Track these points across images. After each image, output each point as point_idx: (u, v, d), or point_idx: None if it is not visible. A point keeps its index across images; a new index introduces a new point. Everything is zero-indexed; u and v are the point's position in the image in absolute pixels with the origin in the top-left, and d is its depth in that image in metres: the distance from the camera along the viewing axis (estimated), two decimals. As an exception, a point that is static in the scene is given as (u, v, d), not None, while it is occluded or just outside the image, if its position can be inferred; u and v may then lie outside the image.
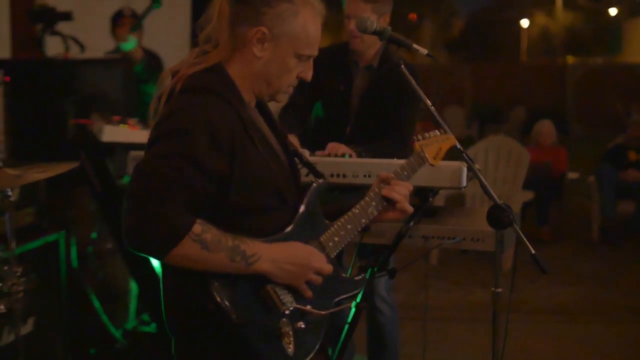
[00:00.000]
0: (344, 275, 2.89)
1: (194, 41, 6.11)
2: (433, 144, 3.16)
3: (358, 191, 4.38)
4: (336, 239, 2.81)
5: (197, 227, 2.43)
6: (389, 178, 2.96)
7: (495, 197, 3.31)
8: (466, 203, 9.07)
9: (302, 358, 2.67)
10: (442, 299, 7.53)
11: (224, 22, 2.65)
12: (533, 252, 3.31)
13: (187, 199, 2.44)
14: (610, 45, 39.27)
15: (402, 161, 3.92)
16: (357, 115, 4.60)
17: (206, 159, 2.46)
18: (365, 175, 3.98)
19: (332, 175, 3.96)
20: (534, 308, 7.24)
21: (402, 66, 3.42)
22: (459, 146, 3.41)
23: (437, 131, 3.21)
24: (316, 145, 4.27)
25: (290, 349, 2.61)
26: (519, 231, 3.35)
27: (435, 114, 3.37)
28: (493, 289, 3.49)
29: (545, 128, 10.85)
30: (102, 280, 5.79)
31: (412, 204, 3.30)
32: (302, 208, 2.76)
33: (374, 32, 3.44)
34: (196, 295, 2.52)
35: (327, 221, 2.84)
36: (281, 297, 2.60)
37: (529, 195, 9.63)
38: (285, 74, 2.71)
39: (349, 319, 4.11)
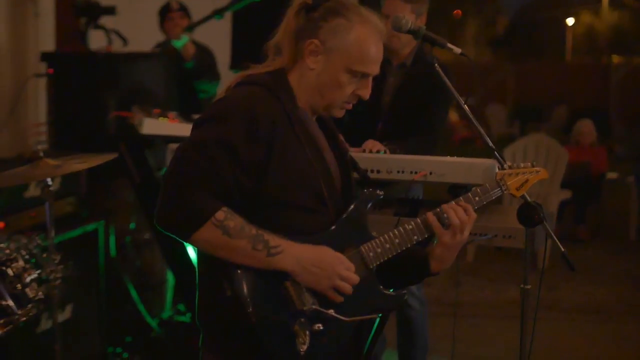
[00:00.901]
0: (383, 289, 2.81)
1: (235, 43, 6.19)
2: (519, 175, 3.11)
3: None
4: (379, 250, 2.77)
5: (221, 214, 2.49)
6: (458, 200, 2.91)
7: (526, 195, 3.34)
8: (503, 200, 9.06)
9: None
10: (475, 295, 7.55)
11: (289, 35, 2.72)
12: (563, 250, 3.35)
13: (216, 187, 2.51)
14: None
15: (436, 158, 4.00)
16: (389, 112, 4.64)
17: (241, 148, 2.53)
18: (399, 171, 4.03)
19: (366, 170, 4.01)
20: (568, 307, 7.23)
21: (436, 65, 3.45)
22: (491, 145, 3.45)
23: (529, 163, 3.16)
24: (348, 141, 4.33)
25: (303, 348, 2.59)
26: (549, 229, 3.38)
27: (469, 113, 3.40)
28: (522, 285, 3.52)
29: (585, 127, 10.80)
30: (139, 270, 5.88)
31: (444, 200, 3.34)
32: (345, 214, 2.76)
33: (409, 31, 3.47)
34: (219, 281, 2.58)
35: (374, 233, 2.82)
36: (301, 296, 2.60)
37: (566, 194, 9.61)
38: (337, 89, 2.74)
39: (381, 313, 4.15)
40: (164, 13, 6.94)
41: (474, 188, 3.01)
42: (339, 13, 2.72)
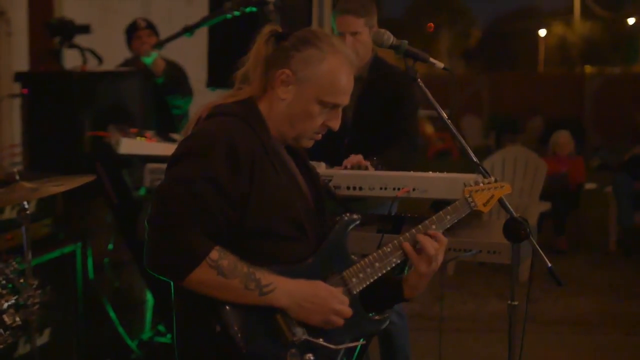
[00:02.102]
0: (364, 313, 2.80)
1: (211, 60, 6.12)
2: (484, 190, 3.13)
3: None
4: (361, 275, 2.76)
5: (215, 254, 2.46)
6: (429, 228, 2.90)
7: (512, 210, 3.31)
8: (483, 215, 9.04)
9: None
10: (458, 310, 7.52)
11: (260, 63, 2.70)
12: (549, 265, 3.32)
13: (207, 225, 2.48)
14: (628, 55, 39.17)
15: (419, 174, 3.97)
16: (353, 125, 4.59)
17: (226, 182, 2.50)
18: (381, 188, 3.99)
19: (348, 188, 3.97)
20: (550, 319, 7.21)
21: (419, 80, 3.41)
22: (475, 159, 3.42)
23: (492, 178, 3.20)
24: (315, 158, 4.29)
25: None
26: (536, 245, 3.36)
27: (452, 126, 3.37)
28: (509, 301, 3.48)
29: (562, 138, 10.81)
30: (118, 291, 5.81)
31: (426, 216, 3.30)
32: (325, 241, 2.75)
33: (391, 47, 3.44)
34: (206, 316, 2.54)
35: (354, 257, 2.81)
36: (291, 327, 2.58)
37: (546, 206, 9.60)
38: (308, 119, 2.72)
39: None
40: (131, 31, 6.81)
41: (442, 211, 3.00)
42: (311, 43, 2.70)
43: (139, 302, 6.04)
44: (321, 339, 2.64)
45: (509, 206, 3.32)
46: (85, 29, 6.08)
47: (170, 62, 6.81)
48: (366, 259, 2.80)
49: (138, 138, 5.10)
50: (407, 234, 2.88)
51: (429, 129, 21.37)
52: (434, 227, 2.91)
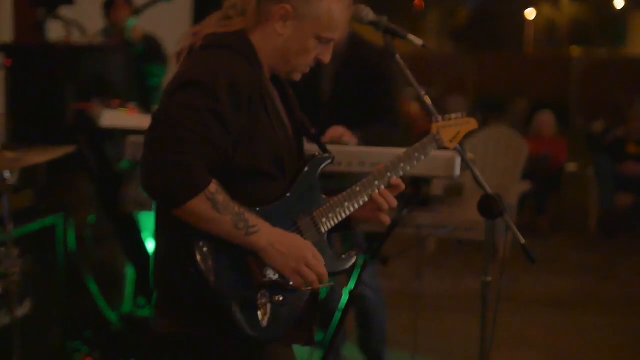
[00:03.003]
0: (331, 252, 2.84)
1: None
2: (452, 126, 3.14)
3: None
4: (330, 215, 2.80)
5: (213, 186, 2.45)
6: (398, 165, 2.93)
7: (487, 187, 3.34)
8: (464, 193, 9.09)
9: (276, 331, 2.67)
10: (436, 287, 7.57)
11: None
12: (523, 242, 3.36)
13: (208, 154, 2.46)
14: (615, 37, 39.24)
15: (396, 150, 3.99)
16: (331, 100, 4.59)
17: (229, 117, 2.49)
18: (359, 164, 4.03)
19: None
20: (529, 298, 7.28)
21: (397, 56, 3.43)
22: (456, 147, 3.45)
23: (459, 114, 3.20)
24: None
25: (265, 321, 2.62)
26: (510, 221, 3.39)
27: (429, 104, 3.40)
28: (482, 277, 3.54)
29: (545, 119, 10.88)
30: (99, 264, 5.83)
31: (405, 193, 3.34)
32: (297, 181, 2.77)
33: (370, 23, 3.46)
34: (179, 254, 2.56)
35: (324, 196, 2.84)
36: (262, 269, 2.62)
37: (527, 186, 9.66)
38: (304, 54, 2.74)
39: (341, 306, 4.15)
40: (110, 3, 6.85)
41: (410, 148, 3.01)
42: None
43: (120, 276, 6.06)
44: (291, 282, 2.66)
45: (484, 182, 3.35)
46: (68, 1, 6.08)
47: (148, 34, 6.83)
48: (336, 198, 2.83)
49: (120, 110, 5.11)
50: (376, 171, 2.91)
51: (414, 108, 21.36)
52: (402, 164, 2.94)
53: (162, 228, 2.70)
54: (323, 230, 2.80)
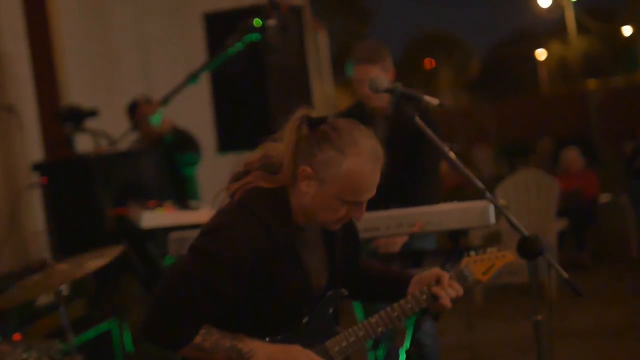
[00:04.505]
0: None
1: (218, 124, 6.26)
2: (485, 261, 3.23)
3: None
4: (344, 344, 2.97)
5: (198, 339, 2.76)
6: (445, 280, 3.06)
7: (523, 229, 3.43)
8: (503, 238, 9.11)
9: None
10: (489, 336, 7.53)
11: (289, 151, 2.81)
12: (566, 276, 3.44)
13: (197, 317, 2.75)
14: (628, 65, 39.28)
15: (431, 207, 4.10)
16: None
17: (225, 287, 2.74)
18: (397, 226, 4.13)
19: (364, 230, 4.09)
20: (581, 333, 7.24)
21: (416, 118, 3.55)
22: (480, 186, 3.55)
23: (494, 248, 3.28)
24: None
25: None
26: (550, 259, 3.47)
27: (454, 158, 3.51)
28: (533, 317, 3.59)
29: (572, 155, 10.94)
30: (158, 360, 5.91)
31: (445, 247, 3.44)
32: (309, 317, 2.96)
33: (386, 91, 3.61)
34: None
35: (338, 328, 3.00)
36: None
37: (563, 223, 9.68)
38: (330, 213, 2.83)
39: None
40: (133, 108, 6.94)
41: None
42: (332, 142, 2.76)
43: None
44: None
45: (520, 225, 3.44)
46: (93, 113, 6.28)
47: (177, 127, 6.96)
48: (350, 329, 2.99)
49: (157, 210, 5.25)
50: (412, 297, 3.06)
51: (443, 165, 21.35)
52: (424, 296, 3.07)
53: None
54: (333, 355, 2.96)
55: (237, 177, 2.95)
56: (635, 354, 6.60)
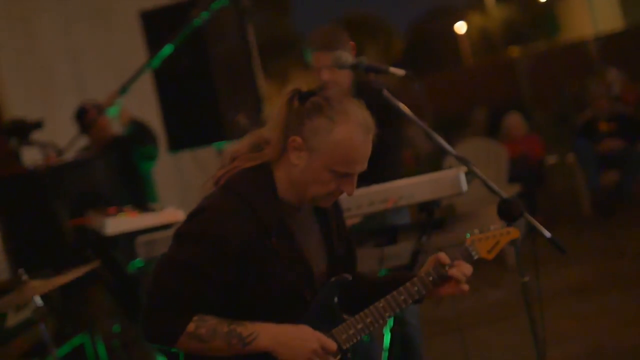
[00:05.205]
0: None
1: (167, 124, 6.19)
2: (489, 238, 3.16)
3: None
4: (351, 332, 2.89)
5: (192, 326, 2.69)
6: (446, 262, 3.00)
7: (500, 191, 3.42)
8: (457, 211, 9.08)
9: None
10: (457, 308, 7.51)
11: (279, 125, 2.77)
12: (549, 235, 3.44)
13: (192, 303, 2.69)
14: (548, 29, 39.75)
15: (401, 182, 4.06)
16: None
17: (212, 270, 2.68)
18: (369, 204, 4.08)
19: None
20: (551, 292, 7.27)
21: (384, 90, 3.52)
22: (454, 154, 3.52)
23: (498, 225, 3.21)
24: None
25: None
26: (532, 219, 3.47)
27: (427, 128, 3.48)
28: (520, 278, 3.59)
29: (514, 120, 10.99)
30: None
31: (419, 220, 3.40)
32: (313, 305, 2.87)
33: (351, 66, 3.56)
34: None
35: (345, 316, 2.92)
36: None
37: (515, 189, 9.73)
38: (320, 185, 2.77)
39: (386, 345, 4.18)
40: (82, 114, 6.77)
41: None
42: (322, 111, 2.73)
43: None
44: None
45: (497, 188, 3.43)
46: (38, 125, 6.14)
47: (133, 116, 6.81)
48: (357, 316, 2.91)
49: (120, 215, 5.15)
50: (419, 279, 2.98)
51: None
52: (432, 274, 3.00)
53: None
54: (344, 347, 2.88)
55: (224, 166, 2.89)
56: (606, 308, 6.66)
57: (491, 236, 3.16)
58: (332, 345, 2.80)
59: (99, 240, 5.19)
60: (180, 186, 9.53)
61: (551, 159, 10.80)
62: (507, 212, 3.38)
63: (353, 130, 2.73)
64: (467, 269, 3.01)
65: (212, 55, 5.98)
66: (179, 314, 2.67)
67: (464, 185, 4.01)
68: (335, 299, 2.91)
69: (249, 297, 2.74)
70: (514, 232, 3.21)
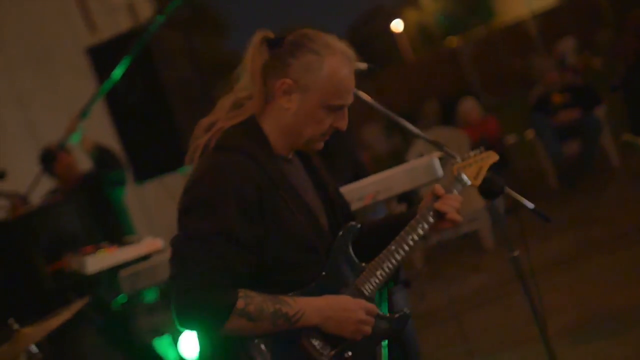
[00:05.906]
0: (385, 314, 2.85)
1: (133, 161, 6.15)
2: (472, 165, 3.15)
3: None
4: (372, 279, 2.80)
5: (241, 302, 2.51)
6: (441, 193, 2.95)
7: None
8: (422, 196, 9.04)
9: None
10: (441, 299, 7.48)
11: (257, 74, 2.69)
12: (532, 206, 3.45)
13: (227, 276, 2.51)
14: (484, 15, 40.10)
15: (376, 176, 4.05)
16: None
17: (241, 232, 2.53)
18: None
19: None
20: (535, 266, 7.26)
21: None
22: (428, 139, 3.52)
23: (477, 150, 3.21)
24: None
25: None
26: (513, 192, 3.48)
27: (399, 120, 3.48)
28: (510, 254, 3.60)
29: (468, 105, 11.05)
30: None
31: (399, 211, 3.37)
32: (330, 257, 2.78)
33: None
34: (236, 354, 2.61)
35: (362, 263, 2.84)
36: (316, 347, 2.66)
37: (480, 172, 9.76)
38: (316, 125, 2.72)
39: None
40: (48, 157, 6.70)
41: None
42: (307, 47, 2.69)
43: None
44: (349, 353, 2.71)
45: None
46: (1, 176, 6.05)
47: (96, 142, 6.74)
48: (373, 262, 2.84)
49: (99, 253, 5.10)
50: (408, 226, 2.91)
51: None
52: (430, 213, 2.93)
53: (214, 338, 2.69)
54: (368, 294, 2.80)
55: (197, 137, 2.78)
56: (590, 275, 6.67)
57: (473, 162, 3.15)
58: (374, 308, 2.74)
59: (79, 281, 5.13)
60: (148, 216, 9.47)
61: (511, 139, 10.86)
62: (487, 189, 3.37)
63: (340, 60, 2.72)
64: (454, 200, 2.95)
65: (164, 80, 5.96)
66: (224, 289, 2.50)
67: (439, 171, 4.02)
68: (350, 248, 2.84)
69: (271, 259, 2.62)
70: (493, 156, 3.22)
